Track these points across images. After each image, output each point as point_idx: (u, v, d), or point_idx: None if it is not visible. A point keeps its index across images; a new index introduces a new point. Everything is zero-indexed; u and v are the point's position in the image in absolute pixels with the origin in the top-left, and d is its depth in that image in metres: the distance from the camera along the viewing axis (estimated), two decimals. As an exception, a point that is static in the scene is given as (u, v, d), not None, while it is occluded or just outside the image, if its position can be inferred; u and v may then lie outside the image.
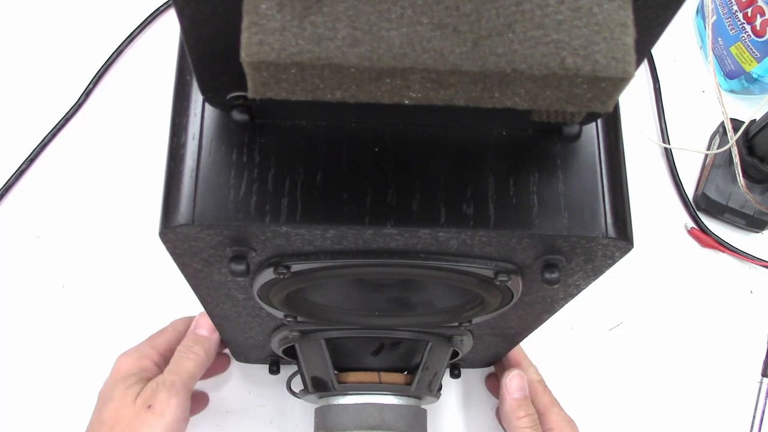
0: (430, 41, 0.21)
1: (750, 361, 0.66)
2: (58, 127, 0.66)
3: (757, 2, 0.67)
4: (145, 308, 0.62)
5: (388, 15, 0.21)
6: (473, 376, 0.62)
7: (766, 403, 0.64)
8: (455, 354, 0.49)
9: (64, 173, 0.66)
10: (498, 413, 0.58)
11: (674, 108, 0.73)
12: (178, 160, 0.30)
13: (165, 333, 0.51)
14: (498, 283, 0.34)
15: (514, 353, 0.56)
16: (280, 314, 0.40)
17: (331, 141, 0.30)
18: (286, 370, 0.57)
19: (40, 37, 0.71)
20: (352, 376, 0.46)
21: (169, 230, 0.30)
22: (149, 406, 0.45)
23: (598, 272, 0.34)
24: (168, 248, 0.32)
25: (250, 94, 0.23)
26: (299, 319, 0.41)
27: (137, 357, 0.49)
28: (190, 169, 0.30)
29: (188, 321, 0.52)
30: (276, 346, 0.47)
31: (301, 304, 0.39)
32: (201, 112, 0.31)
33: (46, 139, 0.66)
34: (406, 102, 0.23)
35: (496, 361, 0.59)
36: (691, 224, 0.70)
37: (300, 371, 0.49)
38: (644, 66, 0.75)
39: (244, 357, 0.58)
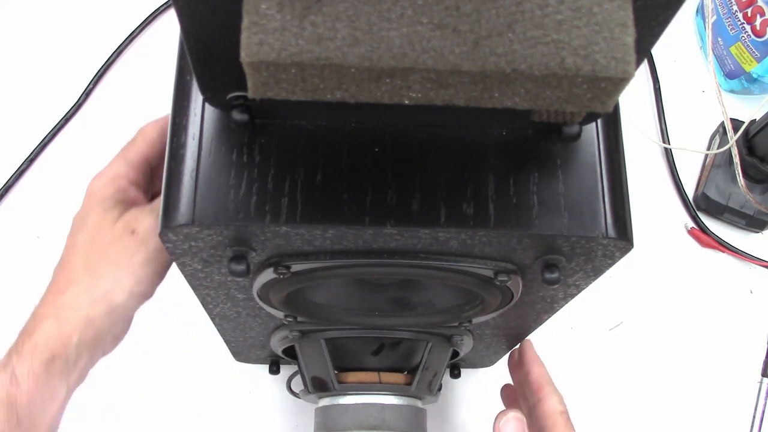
0: (430, 41, 0.21)
1: (750, 361, 0.66)
2: (58, 127, 0.66)
3: (757, 2, 0.67)
4: (145, 308, 0.62)
5: (388, 15, 0.21)
6: (473, 376, 0.62)
7: (766, 403, 0.64)
8: (455, 354, 0.49)
9: (64, 173, 0.66)
10: None
11: (674, 108, 0.73)
12: (178, 160, 0.30)
13: (135, 145, 0.44)
14: (498, 283, 0.34)
15: (537, 376, 0.48)
16: (280, 314, 0.40)
17: (331, 141, 0.30)
18: (286, 370, 0.57)
19: (40, 37, 0.71)
20: (352, 376, 0.46)
21: (169, 230, 0.30)
22: (132, 231, 0.40)
23: (598, 272, 0.34)
24: (168, 248, 0.32)
25: (250, 94, 0.23)
26: (299, 319, 0.41)
27: (111, 178, 0.42)
28: (190, 169, 0.30)
29: (159, 126, 0.45)
30: (276, 346, 0.47)
31: (301, 304, 0.39)
32: (201, 112, 0.31)
33: (46, 139, 0.66)
34: (406, 102, 0.23)
35: (495, 361, 0.58)
36: (691, 224, 0.70)
37: (300, 371, 0.49)
38: (644, 66, 0.75)
39: (244, 357, 0.58)
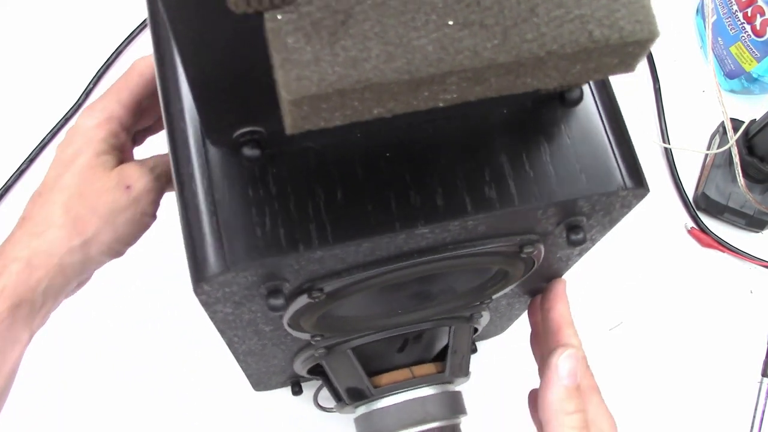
0: (461, 41, 0.21)
1: (750, 361, 0.66)
2: (58, 127, 0.67)
3: (757, 2, 0.67)
4: (146, 306, 0.62)
5: (414, 23, 0.21)
6: (478, 358, 0.62)
7: (766, 403, 0.64)
8: (474, 330, 0.49)
9: (64, 173, 0.65)
10: (533, 401, 0.45)
11: (674, 108, 0.73)
12: (193, 210, 0.30)
13: (130, 83, 0.42)
14: (524, 256, 0.35)
15: (558, 315, 0.42)
16: (306, 336, 0.40)
17: (342, 156, 0.30)
18: (306, 388, 0.57)
19: (40, 37, 0.71)
20: (386, 378, 0.45)
21: (204, 283, 0.29)
22: (127, 187, 0.39)
23: (614, 223, 0.35)
24: (201, 300, 0.31)
25: (288, 131, 0.23)
26: (325, 335, 0.41)
27: (105, 118, 0.40)
28: (208, 216, 0.29)
29: (153, 65, 0.42)
30: (300, 367, 0.47)
31: (329, 321, 0.39)
32: (205, 156, 0.30)
33: (46, 139, 0.66)
34: (441, 105, 0.23)
35: (506, 327, 0.58)
36: (691, 224, 0.70)
37: (329, 386, 0.48)
38: (644, 66, 0.75)
39: (264, 386, 0.57)
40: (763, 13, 0.67)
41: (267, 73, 0.21)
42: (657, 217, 0.70)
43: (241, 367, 0.48)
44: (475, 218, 0.30)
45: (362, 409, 0.46)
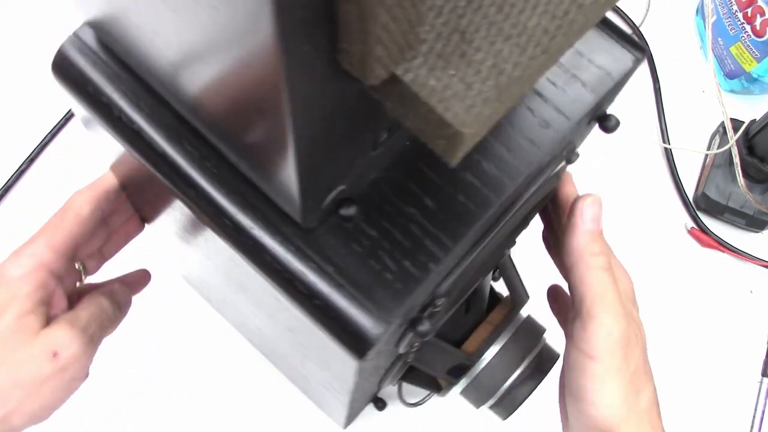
0: (561, 3, 0.21)
1: (750, 361, 0.66)
2: (58, 127, 0.67)
3: (757, 2, 0.67)
4: (146, 306, 0.62)
5: (516, 8, 0.21)
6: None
7: (766, 403, 0.65)
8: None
9: (64, 173, 0.66)
10: (552, 295, 0.49)
11: (674, 108, 0.73)
12: (314, 300, 0.29)
13: (65, 223, 0.38)
14: (567, 166, 0.36)
15: (568, 192, 0.43)
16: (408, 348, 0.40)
17: (407, 170, 0.31)
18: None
19: (41, 37, 0.71)
20: (473, 342, 0.46)
21: (370, 350, 0.29)
22: (54, 355, 0.35)
23: (617, 93, 0.38)
24: (361, 368, 0.31)
25: (454, 163, 0.22)
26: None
27: (34, 266, 0.36)
28: (336, 292, 0.29)
29: (92, 197, 0.39)
30: (390, 380, 0.46)
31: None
32: (293, 244, 0.29)
33: (46, 139, 0.66)
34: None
35: None
36: (691, 224, 0.70)
37: (418, 382, 0.49)
38: (644, 66, 0.75)
39: (353, 418, 0.56)
40: (763, 13, 0.67)
41: (356, 127, 0.21)
42: (657, 217, 0.70)
43: (347, 412, 0.47)
44: (546, 154, 0.31)
45: (464, 381, 0.46)
